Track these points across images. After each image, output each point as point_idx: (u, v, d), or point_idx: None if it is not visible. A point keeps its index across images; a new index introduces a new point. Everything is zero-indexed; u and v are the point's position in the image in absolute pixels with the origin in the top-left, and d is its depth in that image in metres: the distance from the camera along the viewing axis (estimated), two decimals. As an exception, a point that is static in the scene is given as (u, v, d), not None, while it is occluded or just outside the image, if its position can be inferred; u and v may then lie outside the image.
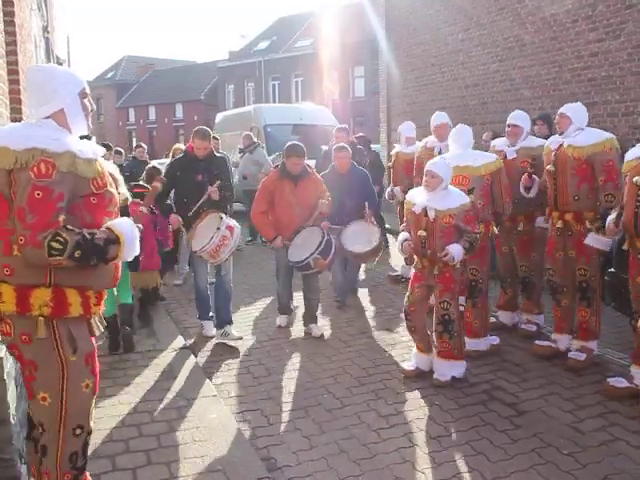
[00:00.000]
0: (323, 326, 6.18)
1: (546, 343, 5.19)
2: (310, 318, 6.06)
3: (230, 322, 5.83)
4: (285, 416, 4.25)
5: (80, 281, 2.48)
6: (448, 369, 4.67)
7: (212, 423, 3.96)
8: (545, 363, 5.02)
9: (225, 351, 5.59)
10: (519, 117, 5.62)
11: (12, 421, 3.02)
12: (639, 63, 8.25)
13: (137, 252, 2.60)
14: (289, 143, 5.92)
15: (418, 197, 4.64)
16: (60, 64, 27.91)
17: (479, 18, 11.05)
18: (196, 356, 5.38)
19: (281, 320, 6.28)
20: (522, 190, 5.35)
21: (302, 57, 34.90)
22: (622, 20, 8.44)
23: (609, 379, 4.42)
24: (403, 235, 4.80)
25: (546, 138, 5.99)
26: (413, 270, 4.87)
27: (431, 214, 4.49)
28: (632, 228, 4.17)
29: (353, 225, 6.43)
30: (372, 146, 10.43)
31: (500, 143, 5.96)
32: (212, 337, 5.89)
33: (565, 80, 9.47)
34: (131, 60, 51.89)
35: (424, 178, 4.57)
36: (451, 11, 11.79)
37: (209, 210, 5.63)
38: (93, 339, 2.63)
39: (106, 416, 4.03)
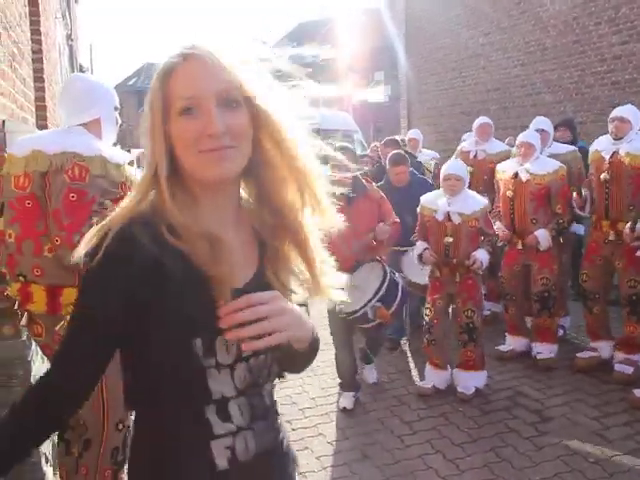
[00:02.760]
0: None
1: (587, 354, 4.99)
2: (364, 355, 4.85)
3: None
4: (308, 421, 4.26)
5: None
6: (471, 381, 4.55)
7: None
8: (569, 369, 4.96)
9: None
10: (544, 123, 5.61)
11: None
12: (663, 66, 8.15)
13: None
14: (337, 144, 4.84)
15: (437, 202, 4.52)
16: (83, 72, 28.37)
17: (500, 22, 10.99)
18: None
19: (346, 401, 4.46)
20: (576, 209, 5.14)
21: (322, 62, 34.95)
22: (646, 22, 8.35)
23: (635, 390, 4.32)
24: (421, 244, 4.66)
25: (570, 144, 5.97)
26: (428, 281, 4.73)
27: (456, 219, 4.41)
28: None
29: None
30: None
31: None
32: None
33: (588, 84, 9.38)
34: (151, 67, 52.23)
35: (447, 182, 4.46)
36: (471, 15, 11.75)
37: None
38: None
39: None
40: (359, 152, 13.39)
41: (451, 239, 4.44)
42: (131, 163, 2.82)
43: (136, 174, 2.73)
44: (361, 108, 30.66)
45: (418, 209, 4.73)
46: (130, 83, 51.80)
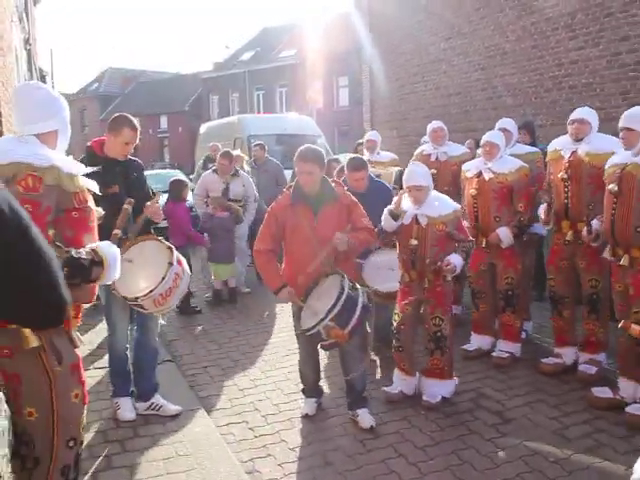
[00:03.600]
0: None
1: (552, 360, 5.00)
2: (355, 401, 4.28)
3: (157, 389, 4.39)
4: (270, 428, 4.21)
5: None
6: (437, 389, 4.48)
7: (197, 437, 3.92)
8: (531, 370, 5.02)
9: (210, 363, 5.54)
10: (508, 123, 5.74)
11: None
12: (618, 70, 8.34)
13: (118, 276, 2.60)
14: (300, 148, 4.12)
15: (405, 205, 4.44)
16: (43, 76, 27.80)
17: (460, 27, 11.14)
18: (180, 369, 5.33)
19: (308, 407, 4.39)
20: (541, 223, 5.18)
21: (286, 67, 35.01)
22: (601, 28, 8.54)
23: (593, 388, 4.39)
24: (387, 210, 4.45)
25: (530, 145, 6.08)
26: (394, 287, 4.69)
27: (423, 221, 4.35)
28: (610, 236, 4.19)
29: (376, 255, 5.14)
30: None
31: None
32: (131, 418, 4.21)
33: (547, 88, 9.56)
34: (115, 72, 51.80)
35: (410, 193, 4.38)
36: (433, 21, 11.88)
37: (139, 236, 4.03)
38: (77, 350, 2.60)
39: (89, 431, 3.96)
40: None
41: (416, 242, 4.37)
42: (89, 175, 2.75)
43: (89, 185, 2.67)
44: (325, 113, 30.75)
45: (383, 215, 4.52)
46: (92, 88, 51.05)
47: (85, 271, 2.40)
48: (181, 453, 3.69)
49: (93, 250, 2.47)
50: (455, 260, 4.31)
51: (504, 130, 5.55)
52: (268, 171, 9.19)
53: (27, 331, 2.36)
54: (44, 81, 27.59)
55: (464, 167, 5.55)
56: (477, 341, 5.49)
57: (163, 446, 3.78)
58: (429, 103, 12.31)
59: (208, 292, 7.95)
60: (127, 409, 4.21)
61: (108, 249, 2.53)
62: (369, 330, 5.27)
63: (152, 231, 4.23)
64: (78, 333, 2.61)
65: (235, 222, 7.68)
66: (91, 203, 2.60)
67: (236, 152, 8.74)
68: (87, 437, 3.87)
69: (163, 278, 3.65)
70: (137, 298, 3.68)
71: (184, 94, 43.76)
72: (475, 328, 5.54)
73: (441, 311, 4.44)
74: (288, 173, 9.14)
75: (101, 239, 3.66)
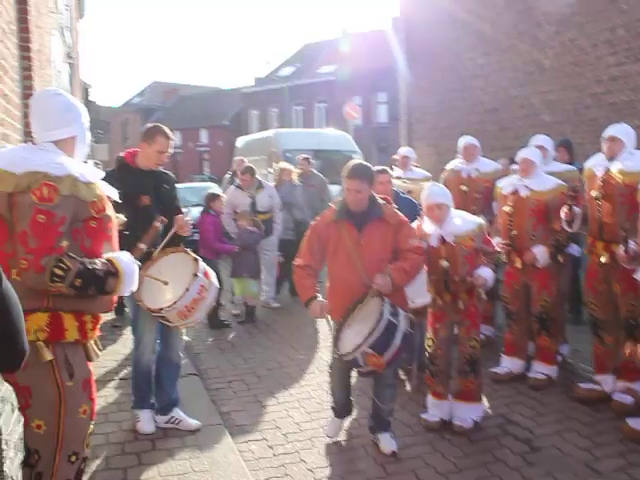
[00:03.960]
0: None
1: (589, 386, 4.77)
2: (378, 425, 4.10)
3: (177, 403, 4.35)
4: (290, 447, 4.13)
5: (77, 306, 2.45)
6: (469, 412, 4.33)
7: (214, 453, 3.86)
8: (563, 396, 4.83)
9: (234, 378, 5.50)
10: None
11: (4, 447, 2.95)
12: (661, 88, 8.10)
13: (135, 288, 2.59)
14: (349, 163, 3.93)
15: (427, 227, 4.31)
16: (87, 89, 28.52)
17: (499, 43, 11.00)
18: (204, 382, 5.29)
19: (333, 428, 4.23)
20: (564, 225, 4.93)
21: (325, 83, 35.21)
22: (643, 44, 8.32)
23: (629, 419, 4.16)
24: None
25: (568, 164, 5.92)
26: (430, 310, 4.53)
27: (450, 240, 4.20)
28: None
29: None
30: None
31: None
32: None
33: (586, 105, 9.35)
34: (157, 85, 52.92)
35: (430, 213, 4.23)
36: (471, 36, 11.77)
37: (166, 248, 3.91)
38: (90, 364, 2.58)
39: (107, 443, 3.96)
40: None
41: (446, 263, 4.22)
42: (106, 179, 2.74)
43: (109, 192, 2.65)
44: (364, 129, 30.76)
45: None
46: (135, 101, 52.26)
47: (99, 282, 2.39)
48: (197, 469, 3.63)
49: (109, 260, 2.45)
50: (485, 273, 4.21)
51: (540, 147, 5.42)
52: (314, 185, 9.05)
53: (40, 344, 2.35)
54: (87, 94, 28.33)
55: (499, 184, 5.42)
56: (508, 363, 5.32)
57: (179, 461, 3.73)
58: (466, 120, 12.17)
59: (236, 308, 7.87)
60: (147, 422, 4.16)
61: (125, 261, 2.51)
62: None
63: (181, 244, 4.20)
64: (94, 345, 2.59)
65: (261, 236, 7.56)
66: (110, 211, 2.57)
67: (283, 165, 8.69)
68: (104, 448, 3.87)
69: (187, 289, 3.58)
70: (161, 309, 3.62)
71: (224, 108, 44.35)
72: (507, 350, 5.37)
73: (476, 332, 4.35)
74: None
75: (125, 248, 3.66)
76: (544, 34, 10.08)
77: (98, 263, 2.40)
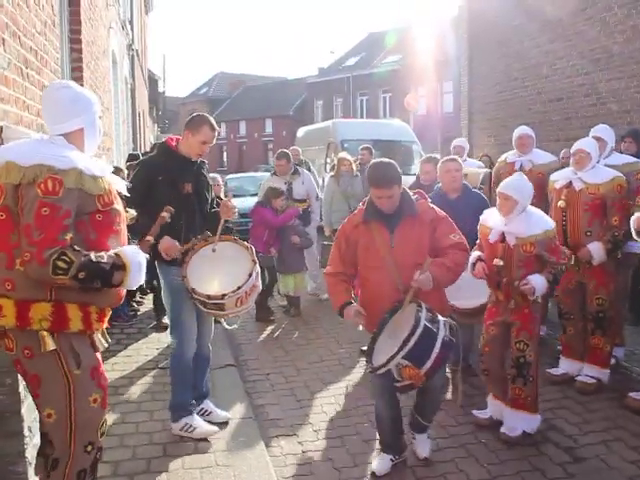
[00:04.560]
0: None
1: None
2: (417, 424, 3.82)
3: (207, 395, 4.32)
4: (320, 444, 4.06)
5: (82, 298, 2.46)
6: (519, 422, 4.03)
7: (240, 447, 3.83)
8: (613, 403, 4.55)
9: (273, 370, 5.47)
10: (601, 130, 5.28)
11: (27, 433, 3.01)
12: None
13: (142, 281, 2.59)
14: (369, 170, 3.58)
15: (493, 220, 4.10)
16: (155, 80, 29.23)
17: (564, 29, 10.49)
18: (242, 374, 5.29)
19: (380, 464, 3.66)
20: (635, 236, 4.46)
21: (390, 73, 34.78)
22: None
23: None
24: (476, 254, 4.18)
25: (635, 156, 5.58)
26: (479, 302, 4.38)
27: (510, 240, 3.97)
28: None
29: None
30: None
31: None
32: (209, 431, 3.99)
33: (657, 93, 8.79)
34: (224, 76, 53.74)
35: (498, 200, 4.04)
36: (535, 23, 11.27)
37: (211, 236, 3.94)
38: (98, 354, 2.58)
39: (136, 432, 3.99)
40: (416, 165, 13.08)
41: (501, 262, 4.00)
42: (116, 171, 2.73)
43: (117, 184, 2.64)
44: (429, 118, 30.21)
45: (478, 226, 4.26)
46: (202, 92, 53.21)
47: (105, 275, 2.38)
48: (220, 463, 3.61)
49: (116, 254, 2.44)
50: (535, 281, 3.88)
51: (598, 138, 5.10)
52: None
53: (44, 334, 2.36)
54: (156, 85, 29.04)
55: (552, 177, 5.15)
56: (565, 365, 5.08)
57: (204, 454, 3.72)
58: (529, 109, 11.71)
59: (284, 300, 7.71)
60: (204, 424, 4.00)
61: (132, 254, 2.50)
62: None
63: (227, 232, 4.22)
64: (101, 336, 2.59)
65: (303, 225, 7.43)
66: (118, 205, 2.57)
67: (342, 154, 8.53)
68: (133, 437, 3.89)
69: (249, 275, 3.66)
70: (224, 295, 3.61)
71: (289, 98, 44.59)
72: (564, 351, 5.12)
73: (527, 335, 4.03)
74: None
75: (169, 235, 3.70)
76: (614, 18, 9.53)
77: (104, 256, 2.39)
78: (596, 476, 3.58)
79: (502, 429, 4.07)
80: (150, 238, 3.03)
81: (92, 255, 2.34)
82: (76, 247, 2.31)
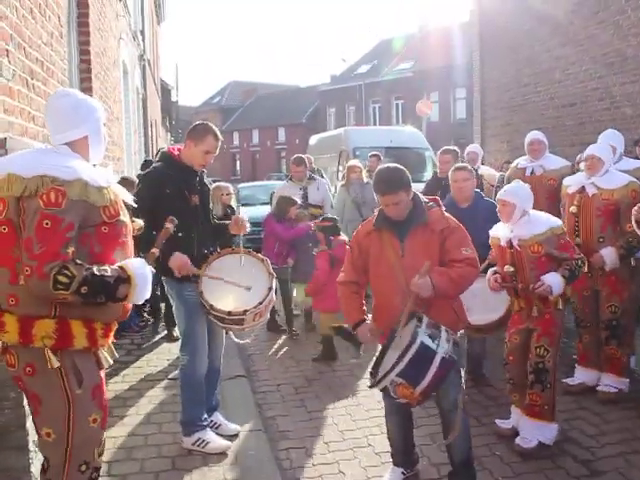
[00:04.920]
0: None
1: None
2: (455, 473, 3.50)
3: (217, 407, 4.24)
4: (331, 457, 3.99)
5: (86, 313, 2.39)
6: (535, 431, 3.95)
7: (249, 461, 3.77)
8: (631, 413, 4.44)
9: (284, 381, 5.40)
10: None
11: (30, 448, 2.98)
12: None
13: (148, 295, 2.50)
14: (375, 177, 3.50)
15: (501, 231, 4.11)
16: (168, 90, 29.39)
17: (576, 33, 10.40)
18: (252, 385, 5.24)
19: (391, 477, 3.60)
20: (635, 226, 4.41)
21: (403, 80, 34.78)
22: None
23: None
24: (491, 270, 4.21)
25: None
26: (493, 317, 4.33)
27: (515, 244, 3.96)
28: None
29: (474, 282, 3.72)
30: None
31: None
32: (223, 447, 3.90)
33: (673, 97, 8.67)
34: (236, 85, 54.02)
35: (497, 208, 4.06)
36: (546, 27, 11.20)
37: (226, 249, 3.97)
38: (102, 372, 2.53)
39: (146, 445, 3.95)
40: (429, 171, 12.98)
41: (512, 268, 3.98)
42: (124, 182, 2.68)
43: (123, 196, 2.59)
44: (442, 125, 30.15)
45: (490, 238, 4.24)
46: (215, 101, 53.49)
47: (109, 289, 2.32)
48: (229, 477, 3.55)
49: (120, 267, 2.38)
50: (550, 280, 3.84)
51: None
52: None
53: (47, 351, 2.31)
54: (169, 95, 29.20)
55: (565, 182, 5.08)
56: (581, 375, 4.97)
57: (212, 467, 3.66)
58: (542, 114, 11.61)
59: (297, 309, 7.49)
60: (217, 439, 3.92)
61: (137, 267, 2.44)
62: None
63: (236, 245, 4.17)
64: (106, 352, 2.53)
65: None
66: (124, 216, 2.50)
67: (352, 162, 8.45)
68: (139, 449, 3.84)
69: (269, 289, 3.68)
70: (245, 312, 3.58)
71: (302, 107, 44.71)
72: (580, 360, 5.02)
73: (547, 341, 3.98)
74: None
75: (182, 251, 3.67)
76: (627, 21, 9.42)
77: (108, 269, 2.31)
78: (614, 490, 3.48)
79: (517, 440, 3.98)
80: (155, 250, 2.96)
81: (95, 269, 2.27)
82: (78, 261, 2.25)
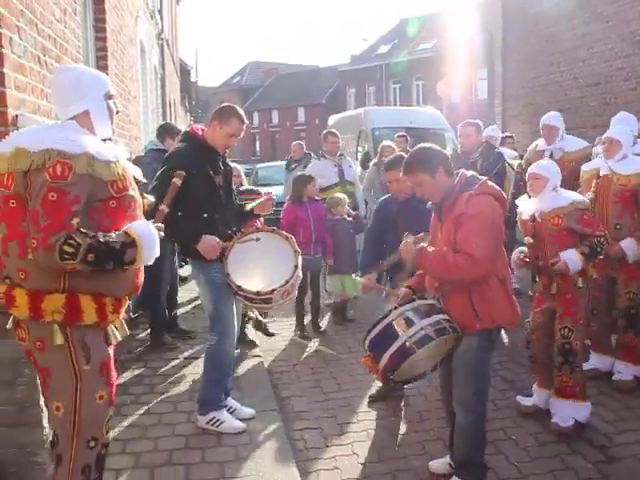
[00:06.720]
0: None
1: None
2: (454, 465, 3.38)
3: (229, 393, 4.13)
4: (345, 438, 3.98)
5: (96, 288, 2.39)
6: (571, 411, 3.93)
7: (263, 440, 3.76)
8: (651, 400, 4.37)
9: (300, 361, 5.40)
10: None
11: (45, 424, 2.99)
12: None
13: (157, 255, 2.48)
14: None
15: (526, 207, 4.15)
16: (188, 70, 29.29)
17: (602, 10, 10.13)
18: (268, 365, 5.24)
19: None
20: None
21: (423, 60, 34.29)
22: None
23: None
24: (520, 249, 4.20)
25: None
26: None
27: (537, 215, 3.98)
28: None
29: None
30: None
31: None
32: (239, 429, 3.86)
33: (702, 76, 8.42)
34: (256, 65, 53.77)
35: (528, 183, 4.09)
36: (571, 3, 10.91)
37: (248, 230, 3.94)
38: (110, 348, 2.52)
39: (160, 423, 3.96)
40: (449, 152, 12.83)
41: (531, 240, 4.02)
42: (132, 159, 2.66)
43: (133, 172, 2.57)
44: (463, 105, 29.72)
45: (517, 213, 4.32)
46: (234, 81, 53.34)
47: (116, 254, 2.30)
48: (242, 456, 3.54)
49: (125, 232, 2.37)
50: (567, 256, 3.80)
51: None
52: None
53: (56, 328, 2.31)
54: (188, 75, 29.11)
55: (584, 167, 4.96)
56: (595, 360, 4.89)
57: (226, 447, 3.66)
58: (565, 95, 11.38)
59: (330, 298, 6.93)
60: (232, 419, 3.89)
61: (142, 228, 2.42)
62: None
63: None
64: (116, 329, 2.52)
65: (356, 230, 6.60)
66: (133, 191, 2.49)
67: (386, 142, 8.11)
68: (153, 429, 3.86)
69: (295, 266, 3.69)
70: (273, 291, 3.60)
71: (321, 87, 44.40)
72: (592, 346, 4.93)
73: (570, 321, 3.95)
74: None
75: (209, 233, 3.68)
76: (656, -2, 9.17)
77: (113, 235, 2.31)
78: (632, 477, 3.42)
79: (554, 419, 3.98)
80: (164, 208, 2.87)
81: (100, 235, 2.27)
82: (82, 229, 2.24)
